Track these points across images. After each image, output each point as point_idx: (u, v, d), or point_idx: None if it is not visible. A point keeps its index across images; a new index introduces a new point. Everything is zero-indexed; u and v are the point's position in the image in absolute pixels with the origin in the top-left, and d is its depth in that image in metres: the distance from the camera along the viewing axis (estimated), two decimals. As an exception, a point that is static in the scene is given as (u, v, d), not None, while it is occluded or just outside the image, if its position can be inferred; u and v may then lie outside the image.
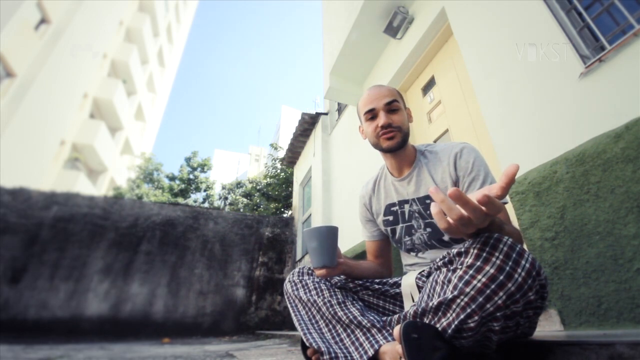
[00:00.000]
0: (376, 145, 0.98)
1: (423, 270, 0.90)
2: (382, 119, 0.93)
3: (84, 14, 12.54)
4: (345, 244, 3.46)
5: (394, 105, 0.95)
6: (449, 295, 0.58)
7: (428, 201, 0.93)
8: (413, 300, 0.88)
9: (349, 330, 0.79)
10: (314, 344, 0.77)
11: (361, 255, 3.03)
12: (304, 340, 0.79)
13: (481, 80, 1.95)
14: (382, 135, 0.94)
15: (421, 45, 2.77)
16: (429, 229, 0.93)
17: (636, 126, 1.14)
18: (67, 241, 4.45)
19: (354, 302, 0.86)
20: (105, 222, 4.76)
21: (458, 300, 0.57)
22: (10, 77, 9.56)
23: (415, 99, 3.05)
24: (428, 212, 0.93)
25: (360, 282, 0.97)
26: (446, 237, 0.91)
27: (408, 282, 0.90)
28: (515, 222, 1.58)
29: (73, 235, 4.52)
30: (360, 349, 0.73)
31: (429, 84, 2.86)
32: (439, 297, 0.60)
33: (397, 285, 0.97)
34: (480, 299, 0.54)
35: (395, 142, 0.94)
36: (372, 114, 0.96)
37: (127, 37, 17.14)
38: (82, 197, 4.84)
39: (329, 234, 0.85)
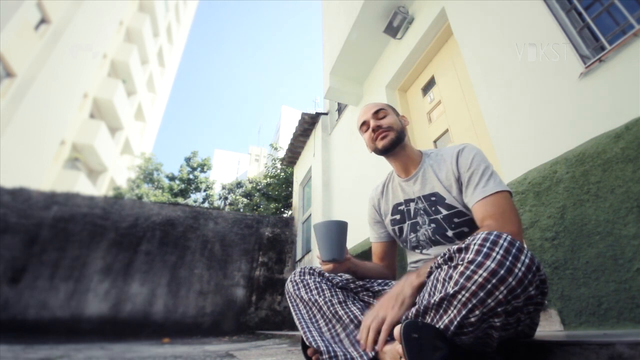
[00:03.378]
0: (375, 150, 1.05)
1: None
2: (372, 124, 1.04)
3: (84, 14, 12.54)
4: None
5: (381, 113, 1.05)
6: (450, 291, 0.58)
7: (433, 198, 0.96)
8: None
9: (348, 330, 0.79)
10: (313, 344, 0.77)
11: (360, 255, 3.03)
12: (304, 339, 0.80)
13: (481, 80, 1.96)
14: (375, 137, 1.02)
15: (421, 45, 2.77)
16: (433, 225, 0.95)
17: (636, 126, 1.14)
18: (67, 241, 4.45)
19: (355, 302, 0.87)
20: (105, 222, 4.76)
21: (459, 296, 0.57)
22: (10, 77, 9.56)
23: (415, 99, 3.05)
24: (433, 208, 0.96)
25: (361, 283, 0.97)
26: (449, 233, 0.92)
27: None
28: (515, 222, 1.58)
29: (73, 235, 4.52)
30: (360, 349, 0.73)
31: (429, 84, 2.86)
32: (440, 294, 0.60)
33: None
34: (482, 294, 0.55)
35: (389, 140, 1.01)
36: (365, 126, 1.07)
37: (127, 37, 17.14)
38: (82, 197, 4.84)
39: (339, 228, 0.89)
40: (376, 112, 1.05)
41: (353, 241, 3.32)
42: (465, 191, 0.89)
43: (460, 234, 0.91)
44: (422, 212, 0.99)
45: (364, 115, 1.07)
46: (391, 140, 1.01)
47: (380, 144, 1.02)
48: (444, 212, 0.93)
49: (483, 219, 0.81)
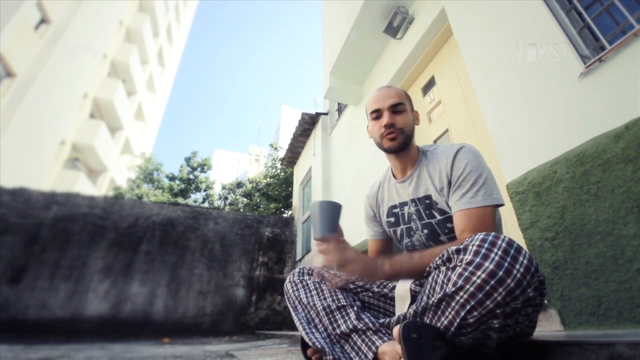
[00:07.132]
0: (379, 145, 1.00)
1: None
2: (385, 119, 0.95)
3: (84, 14, 12.54)
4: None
5: (399, 107, 0.96)
6: (449, 292, 0.58)
7: (428, 201, 0.93)
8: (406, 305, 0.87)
9: (345, 336, 0.79)
10: (317, 344, 0.77)
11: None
12: (307, 340, 0.79)
13: (481, 80, 1.95)
14: (385, 135, 0.96)
15: (421, 45, 2.77)
16: (426, 231, 0.94)
17: (636, 126, 1.14)
18: (67, 241, 4.45)
19: (353, 304, 0.86)
20: (105, 222, 4.76)
21: (457, 297, 0.57)
22: (10, 77, 9.56)
23: (415, 99, 3.04)
24: (427, 212, 0.93)
25: (360, 283, 0.97)
26: (443, 238, 0.91)
27: (404, 287, 0.90)
28: (515, 222, 1.58)
29: (73, 235, 4.51)
30: (360, 353, 0.73)
31: (429, 84, 2.86)
32: (438, 295, 0.60)
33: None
34: (480, 295, 0.54)
35: (397, 144, 0.95)
36: (377, 114, 0.98)
37: (127, 37, 17.14)
38: (82, 197, 4.84)
39: (328, 207, 0.82)
40: (394, 106, 0.96)
41: (353, 241, 3.32)
42: (451, 194, 0.86)
43: (453, 239, 0.88)
44: (414, 216, 0.96)
45: (379, 102, 0.98)
46: (399, 144, 0.95)
47: (387, 144, 0.96)
48: (438, 216, 0.91)
49: (464, 230, 0.80)
